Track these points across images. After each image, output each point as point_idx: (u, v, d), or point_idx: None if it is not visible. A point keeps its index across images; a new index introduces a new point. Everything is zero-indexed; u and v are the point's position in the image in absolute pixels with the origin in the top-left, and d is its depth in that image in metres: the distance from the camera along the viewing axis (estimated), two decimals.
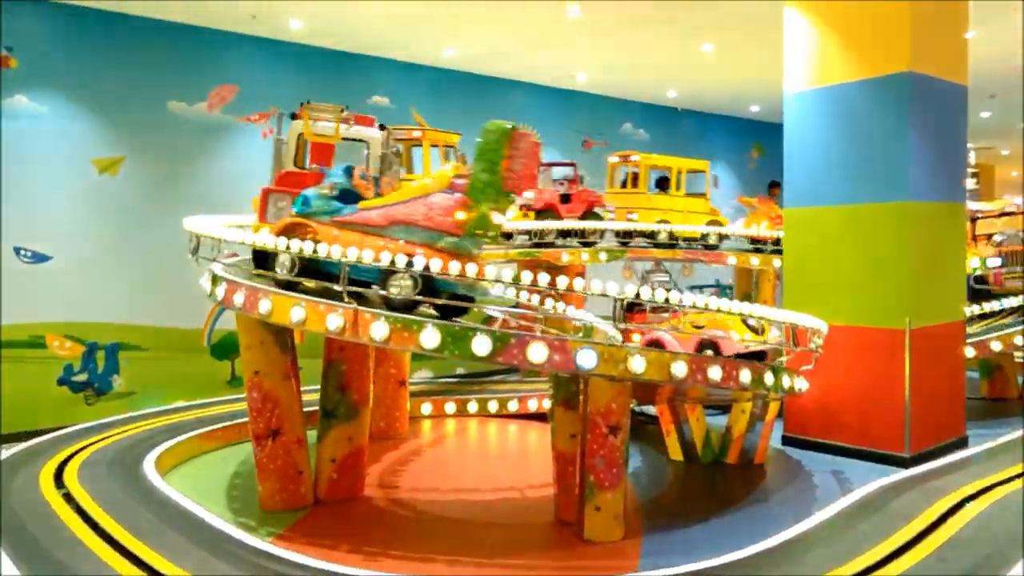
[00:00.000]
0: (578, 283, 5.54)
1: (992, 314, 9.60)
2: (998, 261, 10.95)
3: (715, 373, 5.78)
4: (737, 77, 13.47)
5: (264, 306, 5.66)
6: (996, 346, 9.16)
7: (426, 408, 9.48)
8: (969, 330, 8.96)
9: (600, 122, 15.19)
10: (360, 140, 7.23)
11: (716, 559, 4.87)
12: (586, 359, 5.26)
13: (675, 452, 7.82)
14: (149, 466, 6.60)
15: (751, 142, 17.98)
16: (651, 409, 8.29)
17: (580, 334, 6.61)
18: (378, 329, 5.25)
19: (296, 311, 5.49)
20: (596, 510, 5.63)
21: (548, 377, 6.91)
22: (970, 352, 8.77)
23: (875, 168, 7.76)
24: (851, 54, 7.90)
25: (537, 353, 5.22)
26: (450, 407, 9.54)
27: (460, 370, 12.15)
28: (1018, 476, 6.64)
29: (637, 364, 5.38)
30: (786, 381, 6.38)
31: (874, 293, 7.70)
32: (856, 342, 7.69)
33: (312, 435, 6.61)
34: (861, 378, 7.73)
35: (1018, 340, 9.34)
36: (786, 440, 8.28)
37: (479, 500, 6.74)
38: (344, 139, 7.16)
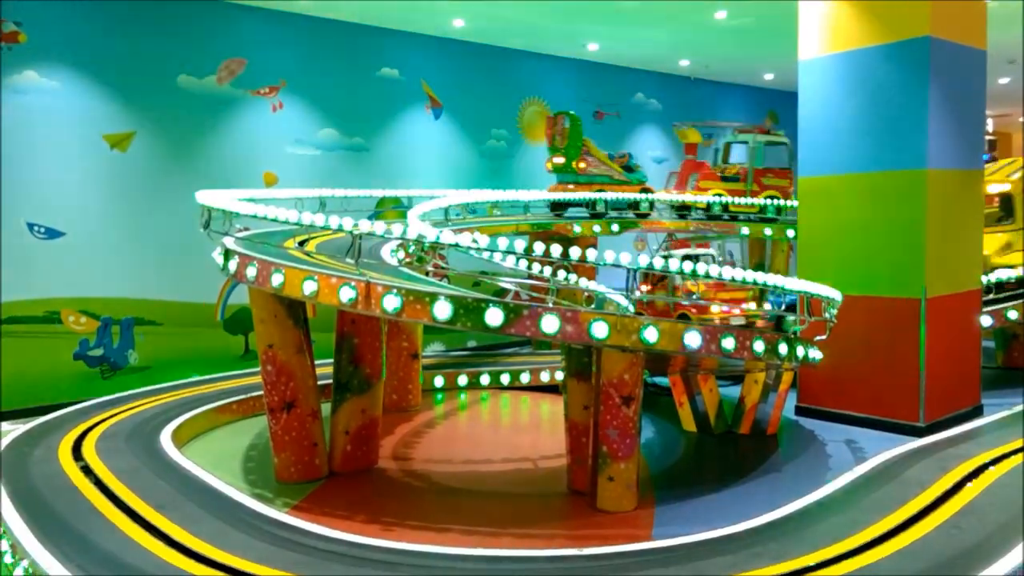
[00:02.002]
0: (591, 254, 5.50)
1: (1009, 283, 9.50)
2: None
3: (728, 343, 5.76)
4: (750, 44, 13.25)
5: (277, 279, 5.66)
6: (1013, 315, 9.08)
7: (439, 381, 9.51)
8: (985, 299, 8.88)
9: (612, 92, 15.03)
10: None
11: (729, 528, 4.88)
12: (599, 330, 5.25)
13: (688, 423, 7.82)
14: (166, 439, 6.67)
15: (765, 111, 17.76)
16: (664, 380, 8.28)
17: (592, 305, 6.60)
18: (391, 301, 5.25)
19: (309, 283, 5.49)
20: (609, 480, 5.65)
21: (560, 349, 6.90)
22: (987, 321, 8.70)
23: (892, 135, 7.64)
24: (868, 19, 7.75)
25: (550, 324, 5.21)
26: (463, 379, 9.57)
27: (472, 343, 12.18)
28: None
29: (650, 334, 5.36)
30: (800, 351, 6.35)
31: (889, 262, 7.63)
32: (871, 311, 7.63)
33: (326, 408, 6.66)
34: (875, 348, 7.68)
35: None
36: (799, 410, 8.26)
37: (492, 471, 6.78)
38: None
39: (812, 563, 4.34)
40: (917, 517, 5.02)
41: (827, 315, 6.76)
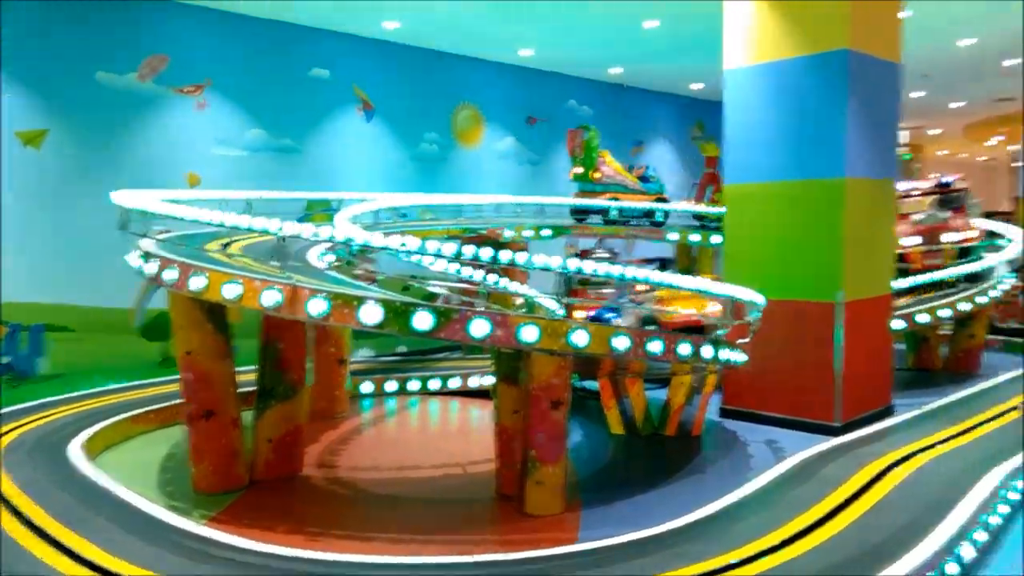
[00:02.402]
0: (521, 258, 5.51)
1: (918, 288, 9.95)
2: (916, 240, 11.36)
3: (655, 347, 5.85)
4: (679, 54, 13.54)
5: (198, 282, 5.48)
6: (922, 318, 9.51)
7: (367, 387, 9.38)
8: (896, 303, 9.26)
9: (545, 98, 15.13)
10: None
11: (654, 529, 4.95)
12: (528, 334, 5.26)
13: (616, 426, 7.91)
14: (76, 450, 6.38)
15: (694, 119, 18.17)
16: (592, 384, 8.36)
17: (523, 309, 6.62)
18: (317, 305, 5.15)
19: (231, 287, 5.34)
20: (537, 484, 5.67)
21: (490, 353, 6.90)
22: (898, 325, 9.08)
23: (812, 144, 7.90)
24: (790, 31, 8.00)
25: (479, 328, 5.19)
26: (391, 385, 9.46)
27: (402, 348, 12.06)
28: (940, 443, 6.91)
29: (579, 338, 5.40)
30: (724, 354, 6.49)
31: (809, 267, 7.89)
32: (791, 315, 7.86)
33: (248, 416, 6.48)
34: (795, 350, 7.92)
35: (942, 313, 9.71)
36: (723, 412, 8.45)
37: (420, 477, 6.72)
38: None
39: (733, 561, 4.43)
40: (832, 514, 5.19)
41: (750, 319, 6.94)
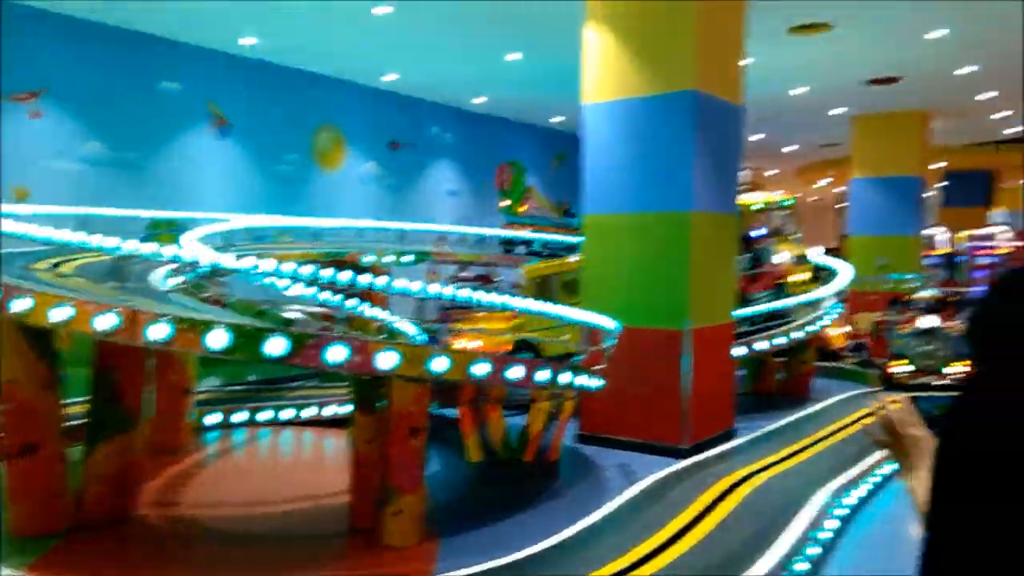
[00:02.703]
0: (380, 282, 5.42)
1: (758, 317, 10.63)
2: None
3: (516, 373, 5.89)
4: (541, 87, 13.93)
5: (21, 304, 5.00)
6: (761, 346, 10.14)
7: (213, 418, 8.87)
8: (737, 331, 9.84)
9: (408, 124, 15.11)
10: None
11: (511, 556, 4.94)
12: (387, 360, 5.16)
13: (475, 453, 7.88)
14: None
15: (555, 151, 18.68)
16: (451, 412, 8.31)
17: (383, 335, 6.50)
18: (159, 330, 4.82)
19: (59, 310, 4.90)
20: (395, 514, 5.53)
21: (348, 381, 6.71)
22: (740, 351, 9.63)
23: (662, 179, 8.28)
24: (642, 70, 8.39)
25: (336, 354, 5.03)
26: (240, 416, 8.98)
27: (253, 376, 11.53)
28: (778, 462, 7.36)
29: (439, 365, 5.35)
30: (581, 380, 6.63)
31: (659, 296, 8.23)
32: (643, 342, 8.16)
33: (79, 450, 5.96)
34: (646, 376, 8.22)
35: (779, 340, 10.41)
36: (580, 438, 8.62)
37: (270, 513, 6.40)
38: None
39: None
40: (681, 533, 5.38)
41: (605, 345, 7.14)
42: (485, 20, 10.12)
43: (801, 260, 12.32)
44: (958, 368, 10.03)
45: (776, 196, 13.22)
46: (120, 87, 10.78)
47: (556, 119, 17.28)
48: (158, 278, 6.99)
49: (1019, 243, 19.80)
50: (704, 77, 8.22)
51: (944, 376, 10.09)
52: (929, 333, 10.77)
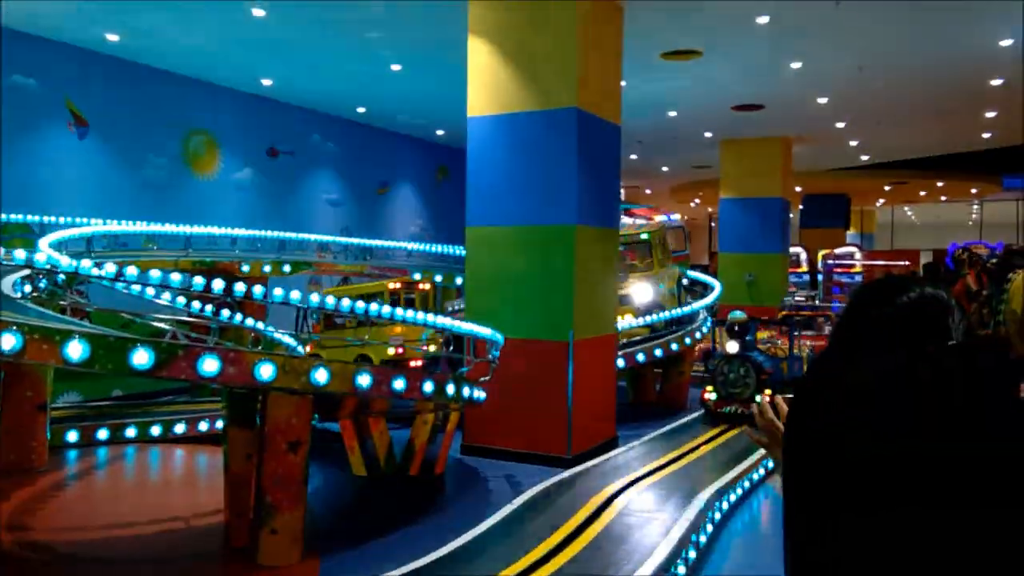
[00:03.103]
0: (257, 290, 5.21)
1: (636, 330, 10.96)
2: None
3: (399, 384, 5.79)
4: (424, 100, 13.88)
5: None
6: (640, 357, 10.46)
7: (72, 436, 8.23)
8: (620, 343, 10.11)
9: (287, 131, 14.66)
10: None
11: (396, 571, 4.83)
12: (265, 371, 4.95)
13: (358, 467, 7.69)
14: None
15: (437, 164, 18.65)
16: (333, 425, 8.08)
17: (259, 346, 6.23)
18: (8, 340, 4.42)
19: None
20: (272, 533, 5.29)
21: (221, 395, 6.39)
22: (621, 363, 9.89)
23: (546, 193, 8.42)
24: (527, 86, 8.52)
25: (210, 366, 4.79)
26: (103, 433, 8.38)
27: (117, 392, 10.82)
28: (658, 469, 7.58)
29: (320, 376, 5.19)
30: (466, 391, 6.60)
31: (544, 308, 8.33)
32: (528, 353, 8.23)
33: None
34: (531, 387, 8.29)
35: (657, 352, 10.77)
36: (465, 449, 8.58)
37: (136, 535, 5.98)
38: None
39: None
40: (566, 542, 5.42)
41: (490, 357, 7.15)
42: (365, 27, 9.97)
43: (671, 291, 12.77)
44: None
45: (634, 228, 13.57)
46: None
47: (440, 132, 17.26)
48: (8, 285, 6.44)
49: (871, 262, 21.48)
50: (585, 96, 8.44)
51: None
52: (737, 359, 9.85)
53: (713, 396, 9.85)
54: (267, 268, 10.56)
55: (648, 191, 27.34)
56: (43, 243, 7.13)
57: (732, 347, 9.85)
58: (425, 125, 16.62)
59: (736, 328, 10.02)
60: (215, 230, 10.76)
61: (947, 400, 0.95)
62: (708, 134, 16.88)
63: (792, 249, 20.07)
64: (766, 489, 7.26)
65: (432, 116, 15.54)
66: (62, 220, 9.51)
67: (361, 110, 15.22)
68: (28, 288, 6.59)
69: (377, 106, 14.85)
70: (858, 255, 21.35)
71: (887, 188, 24.99)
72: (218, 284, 5.10)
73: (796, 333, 10.81)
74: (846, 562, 0.97)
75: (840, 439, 0.99)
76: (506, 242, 8.60)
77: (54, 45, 10.79)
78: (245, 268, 10.30)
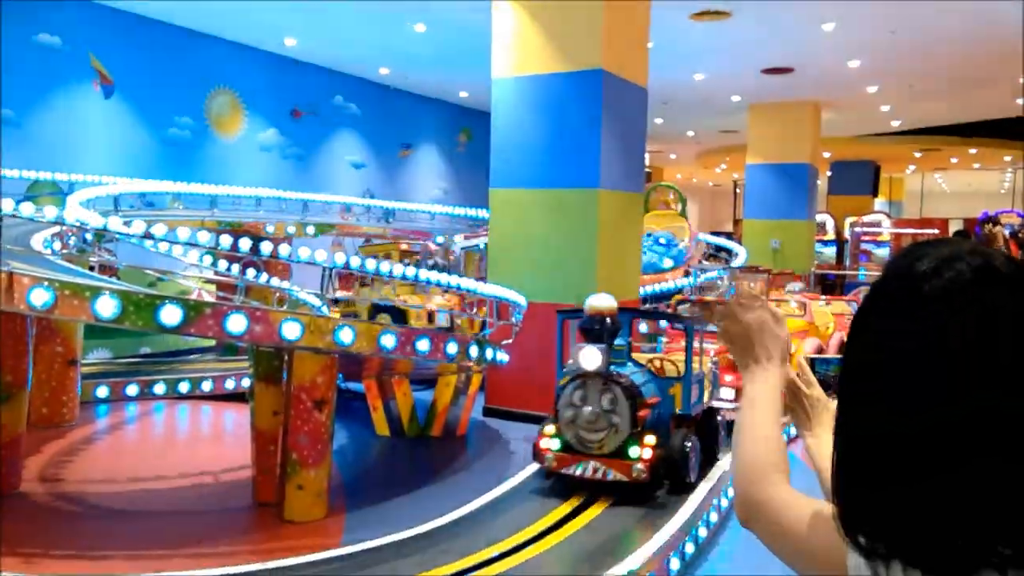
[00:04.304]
0: (283, 250, 5.24)
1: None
2: None
3: (423, 345, 5.83)
4: (448, 60, 13.73)
5: None
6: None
7: (102, 391, 8.41)
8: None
9: (309, 91, 14.61)
10: None
11: (417, 528, 4.91)
12: (290, 330, 5.00)
13: (381, 427, 7.79)
14: None
15: (461, 127, 18.52)
16: (358, 385, 8.17)
17: (284, 304, 6.30)
18: (40, 295, 4.49)
19: None
20: (298, 489, 5.39)
21: (248, 353, 6.47)
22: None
23: (570, 156, 8.35)
24: (552, 47, 8.41)
25: (236, 324, 4.84)
26: (132, 389, 8.56)
27: (146, 349, 11.00)
28: None
29: (345, 335, 5.23)
30: (489, 353, 6.63)
31: (566, 272, 8.31)
32: (550, 317, 8.23)
33: None
34: (552, 351, 8.30)
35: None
36: (487, 411, 8.65)
37: (165, 488, 6.13)
38: None
39: (492, 555, 4.51)
40: (587, 503, 5.46)
41: (513, 320, 7.16)
42: None
43: None
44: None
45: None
46: None
47: (463, 94, 17.11)
48: (39, 242, 6.53)
49: (899, 230, 21.16)
50: (611, 57, 8.32)
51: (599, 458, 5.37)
52: (598, 380, 5.35)
53: (554, 445, 5.51)
54: (291, 229, 10.61)
55: (673, 156, 27.01)
56: (72, 200, 7.20)
57: (589, 358, 5.26)
58: (448, 87, 16.48)
59: (597, 326, 5.48)
60: (240, 190, 10.80)
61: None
62: (736, 98, 16.60)
63: (819, 216, 19.78)
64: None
65: (456, 78, 15.39)
66: (89, 179, 9.58)
67: (384, 71, 15.11)
68: (58, 245, 6.68)
69: (400, 67, 14.72)
70: (886, 223, 21.05)
71: (918, 155, 24.50)
72: (245, 244, 5.13)
73: (696, 332, 6.03)
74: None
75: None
76: (530, 205, 8.57)
77: (79, 3, 10.79)
78: (270, 229, 10.36)
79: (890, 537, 0.94)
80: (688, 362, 5.81)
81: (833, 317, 10.62)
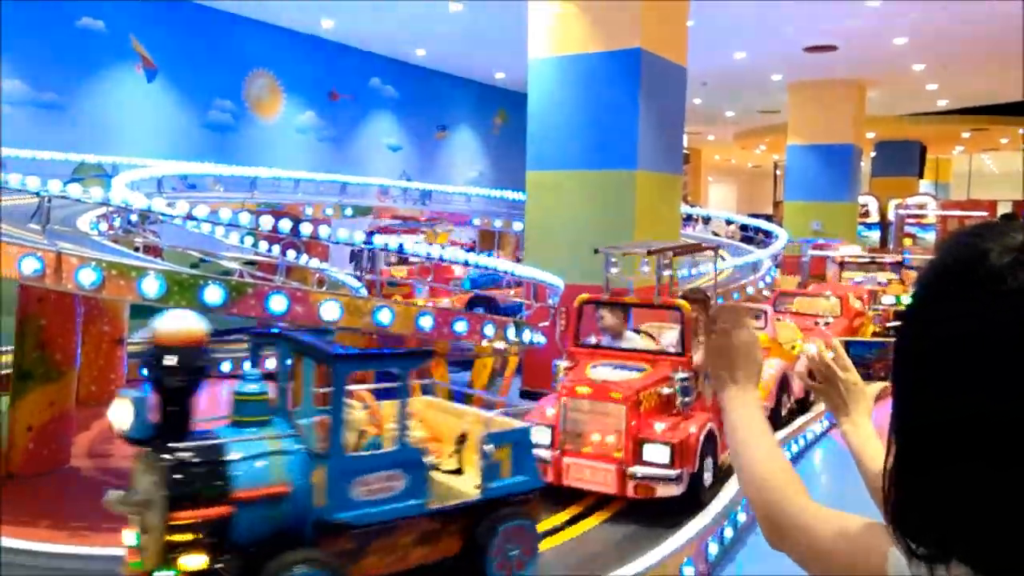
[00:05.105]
0: (323, 231, 5.28)
1: None
2: None
3: (461, 326, 5.84)
4: (484, 41, 13.66)
5: None
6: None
7: (147, 369, 8.58)
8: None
9: (347, 74, 14.67)
10: None
11: None
12: (330, 311, 5.04)
13: None
14: None
15: (496, 108, 18.45)
16: None
17: (324, 286, 6.36)
18: (87, 275, 4.59)
19: None
20: None
21: None
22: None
23: (608, 137, 8.26)
24: (589, 26, 8.31)
25: (277, 304, 4.90)
26: None
27: None
28: None
29: (383, 316, 5.26)
30: (526, 335, 6.63)
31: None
32: None
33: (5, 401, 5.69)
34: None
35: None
36: (523, 394, 8.65)
37: None
38: None
39: None
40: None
41: (551, 302, 7.14)
42: None
43: None
44: None
45: None
46: (38, 22, 10.13)
47: (499, 75, 17.03)
48: (85, 223, 6.66)
49: (945, 212, 20.65)
50: (650, 36, 8.19)
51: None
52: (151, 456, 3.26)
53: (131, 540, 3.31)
54: (329, 211, 10.70)
55: (711, 137, 26.64)
56: (117, 182, 7.33)
57: (118, 415, 3.30)
58: (485, 68, 16.40)
59: (156, 365, 3.38)
60: (280, 172, 10.91)
61: None
62: (777, 77, 16.28)
63: (861, 198, 19.37)
64: (827, 443, 7.16)
65: (492, 59, 15.31)
66: (133, 161, 9.74)
67: (420, 53, 15.10)
68: (104, 226, 6.81)
69: (437, 48, 14.69)
70: (932, 205, 20.55)
71: (965, 135, 23.84)
72: (286, 224, 5.18)
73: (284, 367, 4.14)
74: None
75: None
76: (566, 187, 8.51)
77: None
78: (308, 210, 10.45)
79: (953, 534, 0.90)
80: (337, 424, 3.32)
81: (802, 335, 8.25)
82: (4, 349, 5.90)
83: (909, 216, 20.00)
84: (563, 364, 5.17)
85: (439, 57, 15.49)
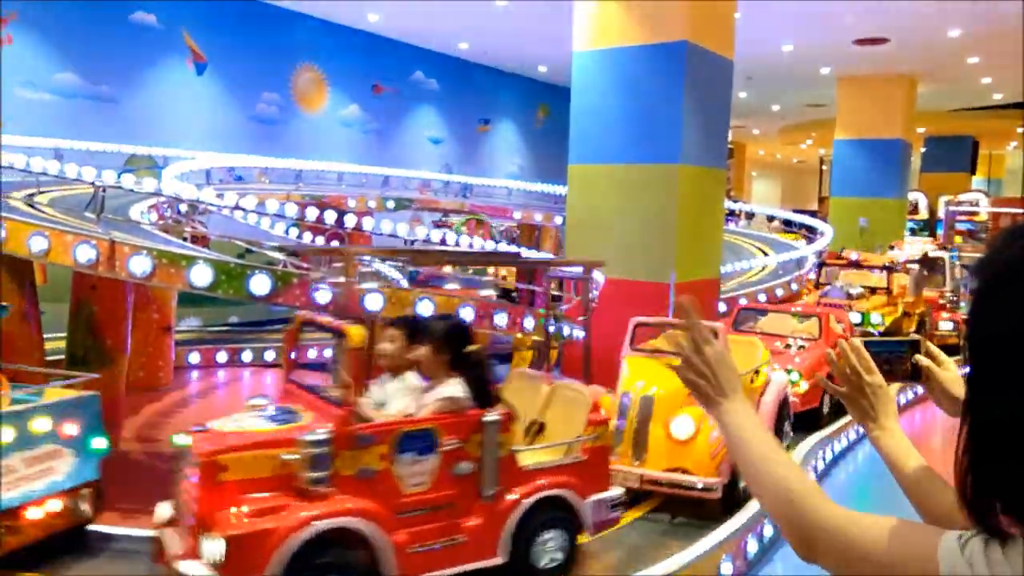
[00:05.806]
0: (367, 223, 5.33)
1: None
2: None
3: (501, 319, 5.86)
4: (527, 35, 13.64)
5: None
6: (743, 301, 10.21)
7: (194, 357, 8.79)
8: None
9: (391, 67, 14.77)
10: None
11: None
12: (373, 302, 5.10)
13: None
14: None
15: (538, 102, 18.41)
16: None
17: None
18: (139, 263, 4.71)
19: (37, 240, 4.77)
20: None
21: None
22: (722, 307, 9.68)
23: (651, 130, 8.18)
24: (633, 19, 8.23)
25: (322, 295, 4.97)
26: (222, 356, 8.92)
27: (234, 318, 11.42)
28: None
29: (424, 308, 5.31)
30: (565, 329, 6.62)
31: (645, 248, 8.19)
32: (627, 294, 8.14)
33: None
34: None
35: (761, 297, 10.49)
36: None
37: None
38: None
39: None
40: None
41: (590, 296, 7.11)
42: None
43: None
44: None
45: None
46: (93, 16, 10.38)
47: (542, 68, 16.99)
48: (137, 213, 6.82)
49: (997, 209, 20.07)
50: (696, 28, 8.08)
51: None
52: None
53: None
54: (372, 203, 10.80)
55: (756, 131, 26.24)
56: (168, 173, 7.50)
57: None
58: (528, 61, 16.37)
59: None
60: (324, 165, 11.04)
61: None
62: (825, 70, 15.97)
63: (911, 195, 18.92)
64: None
65: (535, 52, 15.27)
66: (182, 154, 9.95)
67: (463, 46, 15.13)
68: (154, 216, 6.97)
69: (480, 42, 14.71)
70: (984, 201, 19.98)
71: (1020, 130, 23.10)
72: (330, 216, 5.25)
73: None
74: None
75: None
76: (609, 181, 8.45)
77: None
78: (351, 203, 10.57)
79: None
80: None
81: (770, 355, 6.64)
82: (58, 335, 6.07)
83: (960, 213, 19.48)
84: None
85: (482, 50, 15.50)
